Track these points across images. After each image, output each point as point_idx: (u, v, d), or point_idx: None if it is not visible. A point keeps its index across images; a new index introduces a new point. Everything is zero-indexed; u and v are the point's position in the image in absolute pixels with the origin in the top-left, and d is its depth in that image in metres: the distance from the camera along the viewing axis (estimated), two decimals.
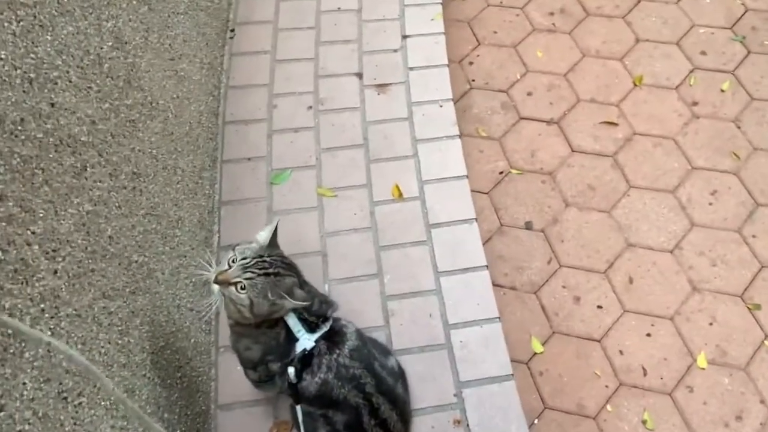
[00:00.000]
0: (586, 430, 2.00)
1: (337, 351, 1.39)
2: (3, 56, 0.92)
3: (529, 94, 2.70)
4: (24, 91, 0.96)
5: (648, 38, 2.85)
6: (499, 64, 2.78)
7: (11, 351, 0.83)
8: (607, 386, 2.06)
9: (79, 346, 1.00)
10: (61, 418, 0.92)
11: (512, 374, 1.71)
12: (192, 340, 1.57)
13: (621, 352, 2.12)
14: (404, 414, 1.55)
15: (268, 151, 2.07)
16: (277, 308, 1.32)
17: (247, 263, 1.28)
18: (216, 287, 1.29)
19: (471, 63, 2.79)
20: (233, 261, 1.30)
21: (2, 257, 0.84)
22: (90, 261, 1.09)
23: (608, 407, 2.03)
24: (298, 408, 1.39)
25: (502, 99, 2.68)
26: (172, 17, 1.74)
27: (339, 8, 2.42)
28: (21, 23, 0.98)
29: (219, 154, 2.05)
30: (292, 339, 1.38)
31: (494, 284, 2.17)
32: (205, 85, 2.01)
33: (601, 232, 2.35)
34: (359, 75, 2.25)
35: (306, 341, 1.38)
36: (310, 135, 2.11)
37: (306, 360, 1.37)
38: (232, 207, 1.96)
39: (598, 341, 2.14)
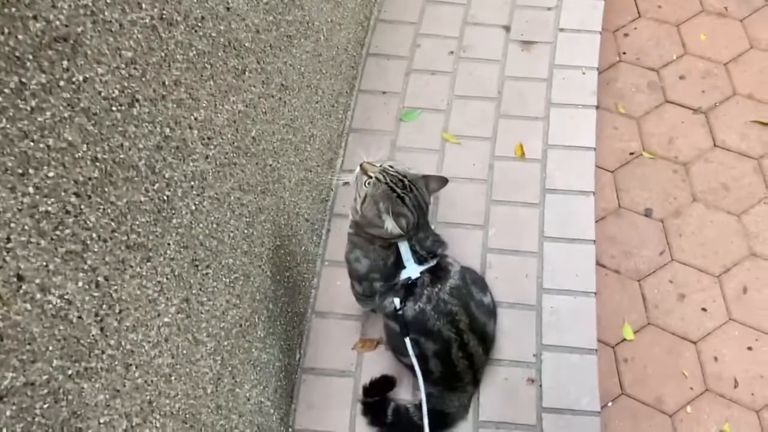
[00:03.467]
0: (659, 424, 1.98)
1: (439, 286, 1.48)
2: None
3: (682, 77, 2.56)
4: None
5: None
6: (656, 41, 2.64)
7: (163, 214, 0.97)
8: (692, 388, 2.02)
9: (214, 226, 1.14)
10: (191, 281, 1.07)
11: (596, 349, 1.73)
12: (303, 248, 1.71)
13: (715, 359, 2.06)
14: (488, 349, 1.65)
15: (402, 89, 2.14)
16: (380, 223, 1.40)
17: (388, 171, 1.42)
18: (357, 169, 1.44)
19: (626, 35, 2.67)
20: (384, 164, 1.44)
21: (169, 134, 0.97)
22: (234, 155, 1.22)
23: (688, 409, 1.99)
24: (407, 340, 1.48)
25: (650, 78, 2.56)
26: None
27: None
28: None
29: (357, 83, 2.14)
30: (399, 266, 1.48)
31: (598, 263, 2.15)
32: (357, 14, 2.09)
33: (725, 235, 2.24)
34: (507, 28, 2.24)
35: (412, 270, 1.47)
36: (446, 80, 2.15)
37: (409, 288, 1.47)
38: (359, 135, 2.06)
39: (694, 343, 2.08)
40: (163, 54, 0.94)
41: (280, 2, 1.41)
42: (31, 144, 0.69)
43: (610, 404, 1.99)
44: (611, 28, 2.65)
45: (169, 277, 0.99)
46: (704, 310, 2.12)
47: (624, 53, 2.61)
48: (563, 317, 1.74)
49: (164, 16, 0.94)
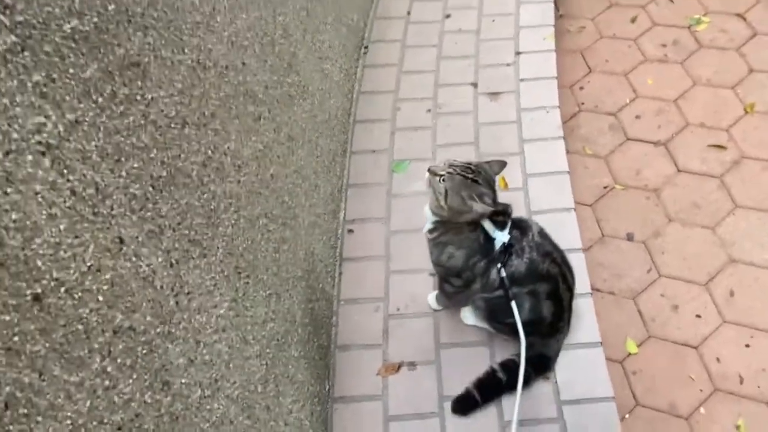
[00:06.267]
0: (676, 428, 2.07)
1: (530, 233, 1.66)
2: (218, 21, 1.27)
3: (638, 117, 2.84)
4: (229, 48, 1.31)
5: (762, 69, 2.91)
6: (609, 90, 2.95)
7: (212, 221, 1.14)
8: (701, 390, 2.12)
9: (249, 242, 1.31)
10: (236, 285, 1.22)
11: (600, 342, 1.86)
12: (320, 285, 1.86)
13: (718, 360, 2.17)
14: (574, 279, 1.78)
15: (390, 146, 2.38)
16: (467, 208, 1.57)
17: (454, 164, 1.59)
18: (427, 175, 1.60)
19: (581, 88, 2.98)
20: (449, 161, 1.61)
21: (211, 155, 1.16)
22: (258, 185, 1.41)
23: (701, 410, 2.08)
24: (513, 304, 1.63)
25: (610, 121, 2.84)
26: (322, 25, 2.11)
27: (460, 29, 2.74)
28: (228, 2, 1.34)
29: (349, 146, 2.38)
30: (489, 239, 1.64)
31: (593, 288, 2.32)
32: (342, 87, 2.36)
33: (704, 247, 2.42)
34: (474, 85, 2.53)
35: (502, 236, 1.63)
36: (428, 133, 2.40)
37: (507, 251, 1.63)
38: (357, 189, 2.27)
39: (695, 348, 2.20)
40: (202, 90, 1.15)
41: (281, 66, 1.66)
42: (121, 139, 0.88)
43: (627, 416, 2.09)
44: (567, 84, 2.96)
45: (219, 276, 1.15)
46: (698, 316, 2.27)
47: (582, 104, 2.90)
48: None
49: (200, 61, 1.16)
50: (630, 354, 2.22)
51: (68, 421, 0.68)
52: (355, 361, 1.87)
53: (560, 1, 3.30)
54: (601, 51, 3.12)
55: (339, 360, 1.87)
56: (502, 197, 2.17)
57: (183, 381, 0.95)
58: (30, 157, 0.68)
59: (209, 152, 1.16)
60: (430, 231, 1.70)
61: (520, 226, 1.67)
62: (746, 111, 2.79)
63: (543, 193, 2.16)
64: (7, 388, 0.60)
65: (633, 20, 3.22)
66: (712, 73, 2.95)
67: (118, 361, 0.79)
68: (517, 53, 2.61)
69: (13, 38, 0.66)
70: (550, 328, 1.75)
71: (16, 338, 0.62)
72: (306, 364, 1.63)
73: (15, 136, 0.66)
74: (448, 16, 2.79)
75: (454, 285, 1.78)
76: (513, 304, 1.63)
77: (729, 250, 2.42)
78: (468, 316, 1.90)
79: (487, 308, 1.76)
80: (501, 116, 2.39)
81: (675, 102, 2.87)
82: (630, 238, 2.49)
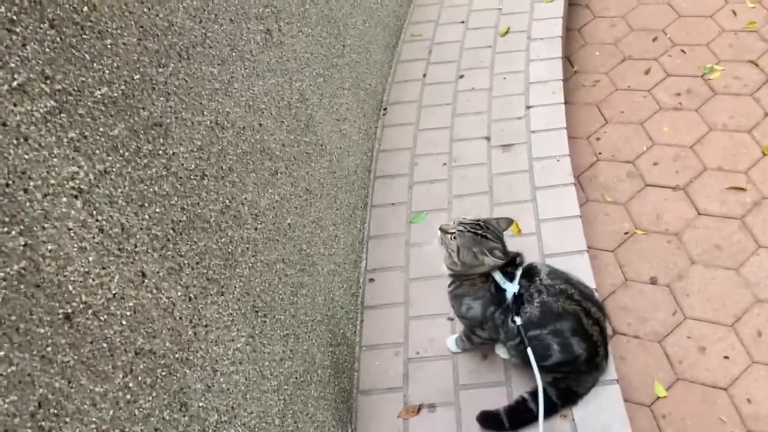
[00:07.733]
0: None
1: (538, 278, 1.73)
2: (236, 87, 1.43)
3: (655, 164, 2.90)
4: (246, 111, 1.46)
5: None
6: (626, 139, 3.03)
7: (230, 262, 1.26)
8: None
9: (266, 285, 1.42)
10: (254, 323, 1.33)
11: (617, 379, 1.87)
12: (341, 331, 1.95)
13: (749, 401, 2.15)
14: (603, 311, 1.82)
15: (408, 198, 2.50)
16: (479, 262, 1.68)
17: (464, 222, 1.72)
18: (439, 234, 1.73)
19: (598, 138, 3.07)
20: (458, 219, 1.74)
21: (229, 204, 1.30)
22: (275, 233, 1.53)
23: None
24: (529, 350, 1.69)
25: (628, 169, 2.91)
26: (339, 90, 2.28)
27: (473, 88, 2.89)
28: (246, 71, 1.50)
29: (369, 200, 2.50)
30: (500, 289, 1.73)
31: (618, 333, 2.34)
32: (361, 145, 2.51)
33: (729, 288, 2.43)
34: (487, 138, 2.66)
35: (512, 286, 1.72)
36: (444, 185, 2.51)
37: (518, 300, 1.71)
38: (377, 240, 2.38)
39: (725, 389, 2.19)
40: (220, 147, 1.30)
41: (298, 126, 1.81)
42: (145, 187, 1.01)
43: None
44: (584, 135, 3.06)
45: (237, 313, 1.26)
46: (726, 357, 2.26)
47: (600, 153, 2.99)
48: None
49: (218, 122, 1.31)
50: (659, 397, 2.21)
51: (93, 426, 0.78)
52: (376, 404, 1.93)
53: (574, 57, 3.44)
54: (617, 103, 3.22)
55: (361, 405, 1.93)
56: (517, 242, 2.26)
57: (200, 405, 1.04)
58: (64, 199, 0.81)
59: (227, 201, 1.29)
60: (448, 284, 1.81)
61: (528, 273, 1.75)
62: (764, 153, 2.82)
63: (555, 238, 2.23)
64: (41, 390, 0.71)
65: (647, 72, 3.32)
66: (727, 119, 3.00)
67: (139, 378, 0.89)
68: (528, 107, 2.73)
69: (53, 102, 0.81)
70: (587, 365, 1.79)
71: (49, 348, 0.73)
72: (326, 405, 1.70)
73: (52, 181, 0.80)
74: (461, 77, 2.96)
75: (480, 337, 1.87)
76: (529, 350, 1.69)
77: (754, 290, 2.42)
78: (503, 351, 1.96)
79: (519, 355, 1.82)
80: (513, 166, 2.49)
81: (692, 148, 2.92)
82: (653, 281, 2.52)
